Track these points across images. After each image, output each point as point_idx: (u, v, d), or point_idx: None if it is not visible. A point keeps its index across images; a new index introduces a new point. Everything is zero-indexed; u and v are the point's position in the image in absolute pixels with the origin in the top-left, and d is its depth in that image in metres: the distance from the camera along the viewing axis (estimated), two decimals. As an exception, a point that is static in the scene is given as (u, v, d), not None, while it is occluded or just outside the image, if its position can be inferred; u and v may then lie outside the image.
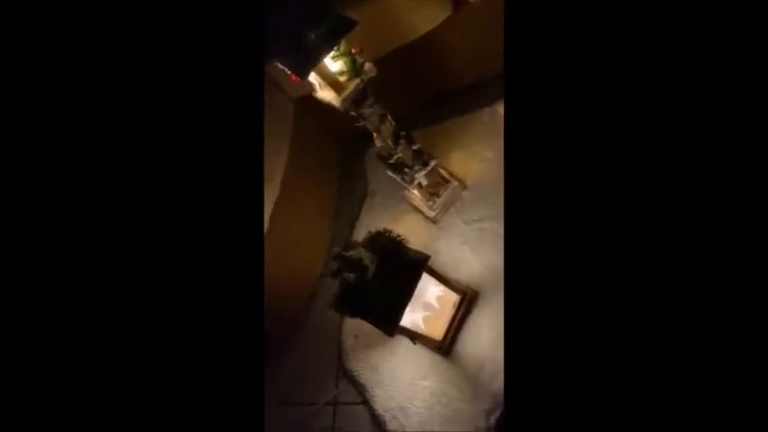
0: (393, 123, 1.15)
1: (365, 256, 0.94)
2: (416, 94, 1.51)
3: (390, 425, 1.20)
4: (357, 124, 1.13)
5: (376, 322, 0.96)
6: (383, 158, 1.25)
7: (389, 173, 1.34)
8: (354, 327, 1.41)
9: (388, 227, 1.49)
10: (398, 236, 0.95)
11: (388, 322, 0.94)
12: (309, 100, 1.64)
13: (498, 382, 1.08)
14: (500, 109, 1.47)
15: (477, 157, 1.44)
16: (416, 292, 1.04)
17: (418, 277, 0.96)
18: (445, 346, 1.19)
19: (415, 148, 1.24)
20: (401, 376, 1.25)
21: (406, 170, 1.26)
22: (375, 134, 1.16)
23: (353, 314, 1.00)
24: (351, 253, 0.93)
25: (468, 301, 1.21)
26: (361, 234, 1.58)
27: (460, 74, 1.57)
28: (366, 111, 1.07)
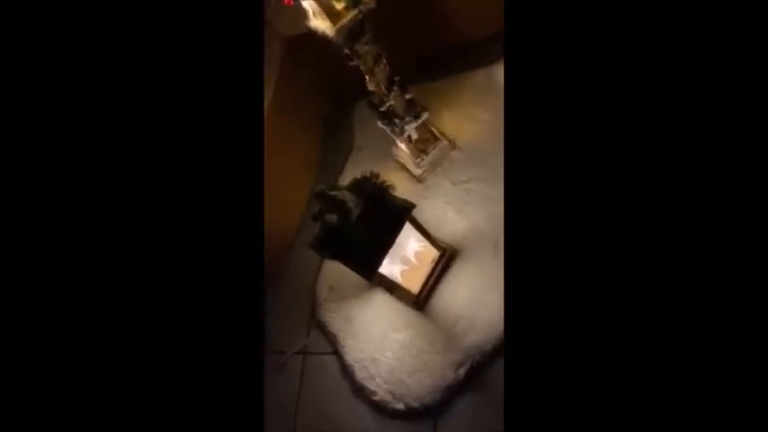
0: (388, 67, 1.10)
1: (349, 198, 0.91)
2: (413, 49, 1.45)
3: (359, 374, 1.20)
4: (350, 63, 1.07)
5: (355, 266, 0.94)
6: (374, 106, 1.20)
7: (379, 123, 1.29)
8: (330, 278, 1.40)
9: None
10: (385, 182, 0.92)
11: (368, 267, 0.92)
12: (300, 45, 1.57)
13: (471, 338, 1.09)
14: (497, 71, 1.43)
15: (471, 118, 1.41)
16: (396, 245, 1.03)
17: (402, 225, 0.94)
18: (420, 301, 1.19)
19: (407, 97, 1.20)
20: (374, 329, 1.24)
21: (397, 121, 1.22)
22: (368, 77, 1.11)
23: (333, 256, 0.98)
24: (335, 193, 0.90)
25: (447, 258, 1.21)
26: (343, 188, 1.55)
27: (460, 32, 1.52)
28: (361, 48, 1.02)
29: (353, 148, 1.64)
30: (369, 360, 1.20)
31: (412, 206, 0.93)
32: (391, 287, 1.04)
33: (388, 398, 1.13)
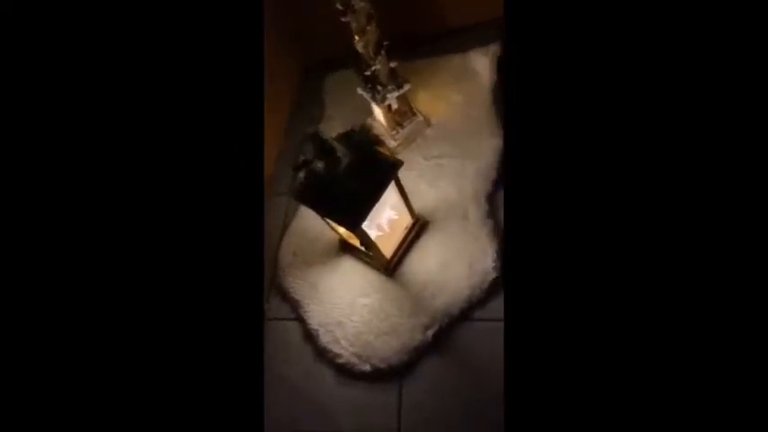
0: (378, 30, 1.10)
1: (339, 148, 0.90)
2: (393, 25, 1.47)
3: (324, 338, 1.18)
4: (342, 18, 1.06)
5: (340, 217, 0.93)
6: (359, 70, 1.20)
7: (359, 90, 1.29)
8: (294, 244, 1.36)
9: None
10: (375, 136, 0.92)
11: (353, 218, 0.91)
12: (277, 9, 1.52)
13: (439, 302, 1.13)
14: (472, 58, 1.50)
15: (444, 99, 1.46)
16: (373, 211, 1.03)
17: (389, 180, 0.94)
18: (390, 267, 1.20)
19: (392, 65, 1.21)
20: (341, 294, 1.23)
21: (379, 88, 1.23)
22: (357, 36, 1.11)
23: (315, 206, 0.96)
24: (327, 139, 0.88)
25: (418, 227, 1.23)
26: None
27: (440, 17, 1.57)
28: (357, 3, 1.01)
29: (324, 118, 1.62)
30: (334, 324, 1.19)
31: (400, 163, 0.94)
32: (369, 244, 1.04)
33: (353, 360, 1.13)
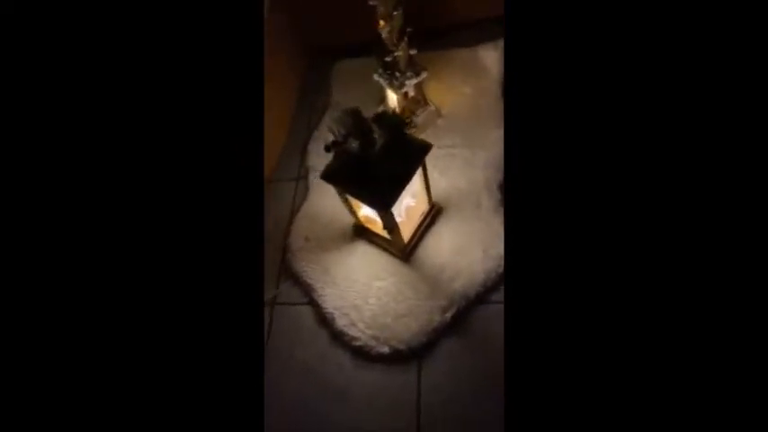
0: (403, 17, 1.12)
1: (375, 129, 0.91)
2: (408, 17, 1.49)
3: (339, 321, 1.18)
4: (369, 2, 1.07)
5: (373, 197, 0.94)
6: (379, 55, 1.21)
7: (375, 76, 1.30)
8: (305, 229, 1.36)
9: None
10: (407, 118, 0.93)
11: (386, 198, 0.92)
12: (278, 4, 1.50)
13: (457, 285, 1.16)
14: (481, 52, 1.54)
15: (455, 91, 1.49)
16: None
17: (419, 162, 0.96)
18: (407, 252, 1.22)
19: (412, 53, 1.23)
20: (356, 277, 1.24)
21: (398, 74, 1.25)
22: (383, 21, 1.12)
23: (347, 186, 0.96)
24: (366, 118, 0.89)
25: (434, 213, 1.26)
26: (318, 143, 1.51)
27: (452, 12, 1.60)
28: (389, -12, 1.02)
29: (331, 106, 1.61)
30: (350, 307, 1.20)
31: (429, 146, 0.96)
32: (392, 229, 1.05)
33: (371, 342, 1.14)
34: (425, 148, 0.96)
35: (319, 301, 1.23)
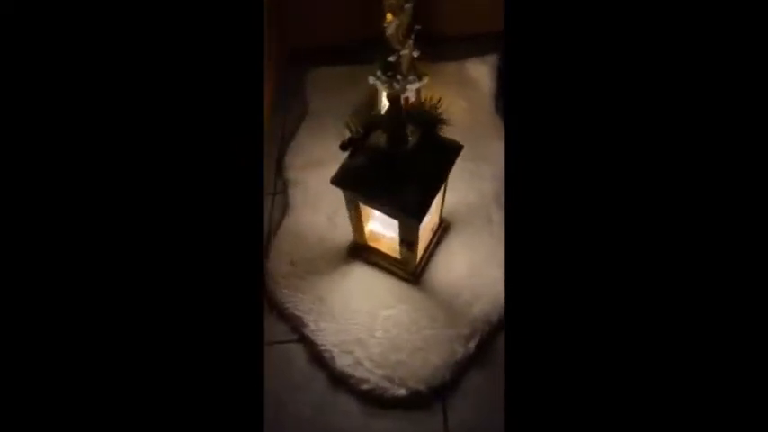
0: (413, 13, 1.02)
1: (408, 126, 0.77)
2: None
3: (341, 361, 0.98)
4: (382, -7, 0.96)
5: (401, 202, 0.78)
6: (382, 55, 1.09)
7: (372, 79, 1.18)
8: (289, 251, 1.15)
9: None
10: (442, 114, 0.81)
11: (419, 204, 0.77)
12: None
13: (476, 309, 1.02)
14: (470, 65, 1.50)
15: (450, 102, 1.40)
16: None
17: (453, 163, 0.83)
18: (417, 273, 1.06)
19: (415, 55, 1.12)
20: (357, 306, 1.05)
21: (399, 78, 1.13)
22: (390, 16, 1.01)
23: (367, 191, 0.79)
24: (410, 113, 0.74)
25: (442, 229, 1.13)
26: (296, 155, 1.34)
27: (442, 25, 1.55)
28: (405, -23, 0.92)
29: (309, 114, 1.45)
30: (353, 343, 1.00)
31: (461, 147, 0.84)
32: (413, 244, 0.90)
33: (384, 384, 0.94)
34: (457, 149, 0.84)
35: (313, 338, 1.02)
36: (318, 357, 1.00)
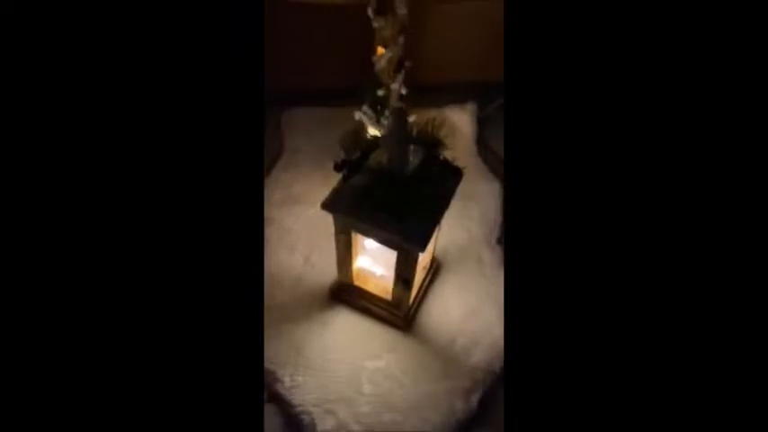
0: (403, 47, 1.01)
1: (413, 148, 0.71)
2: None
3: (323, 424, 0.82)
4: (375, 24, 0.95)
5: (404, 228, 0.69)
6: (369, 89, 1.06)
7: (358, 114, 1.13)
8: (265, 292, 1.00)
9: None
10: (442, 136, 0.76)
11: (423, 230, 0.69)
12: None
13: (476, 357, 0.91)
14: (449, 112, 1.51)
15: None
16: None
17: (455, 188, 0.77)
18: (409, 318, 0.95)
19: (403, 92, 1.11)
20: (340, 357, 0.91)
21: (387, 113, 1.10)
22: (381, 49, 1.00)
23: (364, 215, 0.70)
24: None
25: (433, 271, 1.04)
26: (272, 191, 1.24)
27: (420, 73, 1.58)
28: (400, 7, 0.91)
29: (285, 151, 1.38)
30: (337, 402, 0.85)
31: (461, 172, 0.79)
32: (409, 280, 0.80)
33: (375, 451, 0.79)
34: (459, 173, 0.78)
35: (289, 396, 0.86)
36: (293, 421, 0.83)
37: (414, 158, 0.71)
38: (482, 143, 1.44)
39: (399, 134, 0.65)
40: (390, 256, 0.81)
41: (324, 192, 1.28)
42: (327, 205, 0.72)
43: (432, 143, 0.74)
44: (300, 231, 1.14)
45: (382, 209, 0.69)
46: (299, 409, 0.84)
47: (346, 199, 0.71)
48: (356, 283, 0.94)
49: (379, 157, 0.71)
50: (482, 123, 1.51)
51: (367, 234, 0.76)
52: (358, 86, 1.25)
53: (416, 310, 0.98)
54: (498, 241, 1.14)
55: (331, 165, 1.38)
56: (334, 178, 1.29)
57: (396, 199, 0.69)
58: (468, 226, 1.17)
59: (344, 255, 0.86)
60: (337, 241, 0.82)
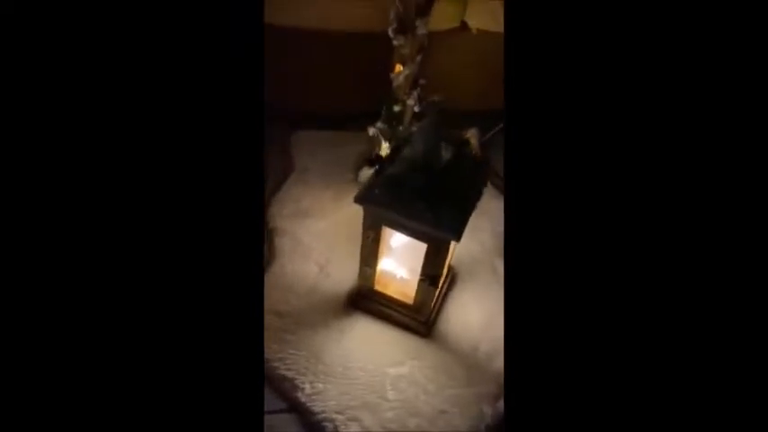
0: (420, 65, 1.08)
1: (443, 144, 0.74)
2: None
3: (347, 431, 0.77)
4: (395, 42, 1.01)
5: (439, 218, 0.70)
6: (386, 104, 1.11)
7: (372, 130, 1.18)
8: (277, 301, 0.98)
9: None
10: (468, 134, 0.80)
11: (458, 221, 0.71)
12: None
13: (499, 364, 0.90)
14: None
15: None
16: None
17: (485, 181, 0.79)
18: (429, 324, 0.94)
19: (416, 109, 1.16)
20: (360, 364, 0.88)
21: (401, 128, 1.15)
22: (399, 67, 1.05)
23: (399, 207, 0.71)
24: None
25: (450, 278, 1.04)
26: (283, 205, 1.25)
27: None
28: (420, 27, 0.98)
29: (297, 170, 1.40)
30: (361, 408, 0.81)
31: (489, 166, 0.82)
32: (436, 279, 0.80)
33: (404, 458, 0.75)
34: (487, 167, 0.81)
35: (310, 404, 0.81)
36: (317, 428, 0.79)
37: (445, 153, 0.74)
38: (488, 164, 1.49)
39: (436, 125, 0.68)
40: (416, 254, 0.82)
41: (333, 206, 1.29)
42: (361, 198, 0.73)
43: (461, 140, 0.77)
44: (312, 243, 1.13)
45: (417, 197, 0.70)
46: (322, 416, 0.80)
47: (380, 190, 0.72)
48: (377, 287, 0.93)
49: (413, 151, 0.73)
50: (484, 146, 1.58)
51: (398, 227, 0.76)
52: (360, 112, 1.30)
53: (436, 317, 0.97)
54: (510, 253, 1.16)
55: (339, 182, 1.41)
56: (343, 194, 1.32)
57: (430, 188, 0.70)
58: (480, 238, 1.18)
59: (370, 254, 0.85)
60: (364, 239, 0.83)
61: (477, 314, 0.99)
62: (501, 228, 1.22)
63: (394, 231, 0.81)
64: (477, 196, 0.76)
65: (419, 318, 0.92)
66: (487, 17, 1.39)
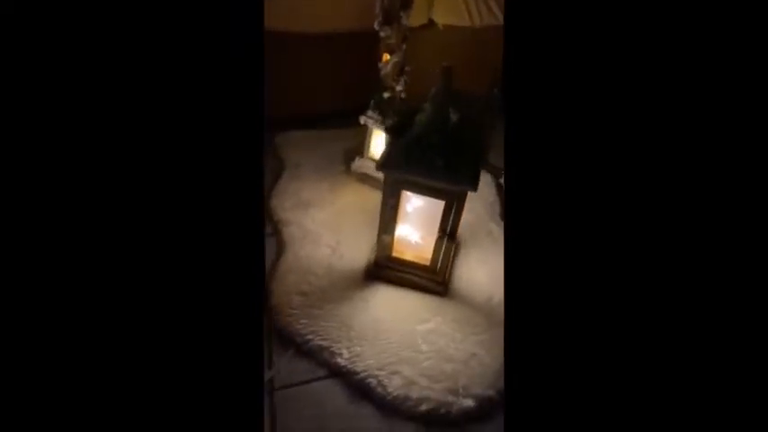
0: (405, 54, 1.17)
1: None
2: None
3: (391, 384, 0.83)
4: (382, 33, 1.10)
5: (456, 174, 0.79)
6: (375, 94, 1.20)
7: (363, 118, 1.25)
8: (297, 283, 1.02)
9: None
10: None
11: (473, 173, 0.79)
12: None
13: (513, 309, 0.99)
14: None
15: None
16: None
17: (491, 135, 0.89)
18: (446, 282, 1.02)
19: (403, 96, 1.26)
20: (388, 326, 0.94)
21: (390, 113, 1.23)
22: (387, 56, 1.14)
23: (419, 167, 0.78)
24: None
25: (456, 245, 1.13)
26: (284, 199, 1.29)
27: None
28: (404, 18, 1.08)
29: (289, 167, 1.44)
30: (399, 362, 0.87)
31: (494, 124, 0.92)
32: (454, 234, 0.88)
33: (448, 398, 0.81)
34: (491, 124, 0.91)
35: (350, 367, 0.86)
36: (361, 386, 0.83)
37: (453, 116, 0.83)
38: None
39: (447, 89, 0.77)
40: (432, 215, 0.90)
41: (331, 197, 1.34)
42: (382, 165, 0.80)
43: (471, 101, 0.87)
44: (319, 229, 1.18)
45: (429, 161, 0.78)
46: (365, 374, 0.84)
47: (397, 156, 0.80)
48: (394, 254, 1.00)
49: (424, 117, 0.82)
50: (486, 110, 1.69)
51: (417, 189, 0.84)
52: (343, 110, 1.38)
53: (449, 278, 1.05)
54: (501, 216, 1.26)
55: (332, 173, 1.46)
56: (339, 185, 1.37)
57: (444, 147, 0.79)
58: (475, 209, 1.28)
59: (389, 222, 0.92)
60: (384, 207, 0.89)
61: (484, 272, 1.08)
62: (489, 197, 1.33)
63: (411, 196, 0.89)
64: (486, 147, 0.85)
65: (436, 278, 0.99)
66: (451, 14, 1.53)
